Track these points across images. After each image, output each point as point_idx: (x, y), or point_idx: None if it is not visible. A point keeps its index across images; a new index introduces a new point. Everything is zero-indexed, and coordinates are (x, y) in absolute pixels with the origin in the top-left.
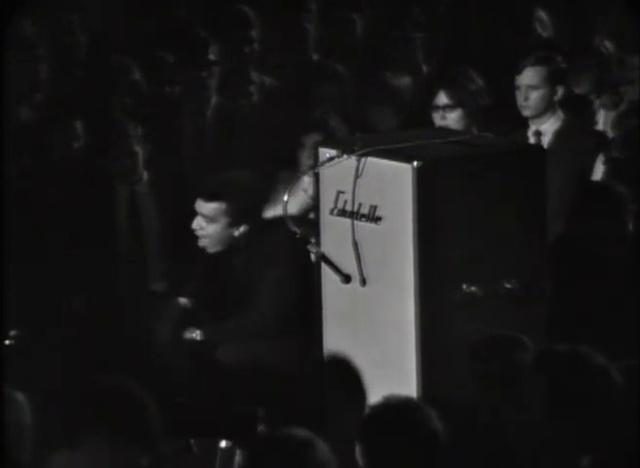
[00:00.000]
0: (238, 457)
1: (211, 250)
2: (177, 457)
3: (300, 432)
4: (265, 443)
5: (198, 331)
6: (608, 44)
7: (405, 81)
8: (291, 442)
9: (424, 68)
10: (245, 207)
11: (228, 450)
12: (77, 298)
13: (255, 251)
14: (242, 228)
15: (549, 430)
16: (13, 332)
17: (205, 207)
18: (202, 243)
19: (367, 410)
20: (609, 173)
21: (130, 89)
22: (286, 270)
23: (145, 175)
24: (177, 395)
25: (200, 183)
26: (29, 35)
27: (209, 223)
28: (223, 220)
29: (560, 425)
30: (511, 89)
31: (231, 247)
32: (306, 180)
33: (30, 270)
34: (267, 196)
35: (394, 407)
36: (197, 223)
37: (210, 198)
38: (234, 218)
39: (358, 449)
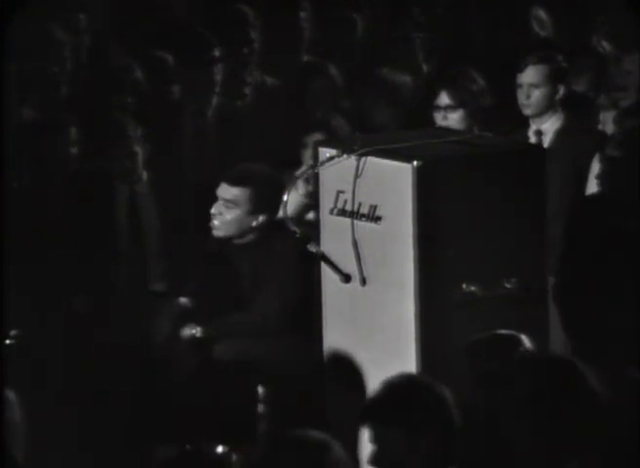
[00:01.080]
0: (234, 462)
1: (218, 233)
2: (172, 463)
3: (316, 434)
4: (281, 444)
5: (198, 328)
6: (605, 44)
7: (403, 78)
8: (306, 444)
9: (425, 68)
10: (267, 196)
11: (225, 455)
12: (77, 298)
13: (262, 250)
14: (260, 218)
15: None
16: (13, 332)
17: (229, 191)
18: (215, 228)
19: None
20: (606, 171)
21: (130, 89)
22: (292, 272)
23: (145, 176)
24: (175, 395)
25: (223, 172)
26: (30, 35)
27: (229, 209)
28: (245, 207)
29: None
30: (512, 88)
31: (238, 240)
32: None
33: (30, 270)
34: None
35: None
36: (217, 208)
37: (236, 182)
38: (255, 206)
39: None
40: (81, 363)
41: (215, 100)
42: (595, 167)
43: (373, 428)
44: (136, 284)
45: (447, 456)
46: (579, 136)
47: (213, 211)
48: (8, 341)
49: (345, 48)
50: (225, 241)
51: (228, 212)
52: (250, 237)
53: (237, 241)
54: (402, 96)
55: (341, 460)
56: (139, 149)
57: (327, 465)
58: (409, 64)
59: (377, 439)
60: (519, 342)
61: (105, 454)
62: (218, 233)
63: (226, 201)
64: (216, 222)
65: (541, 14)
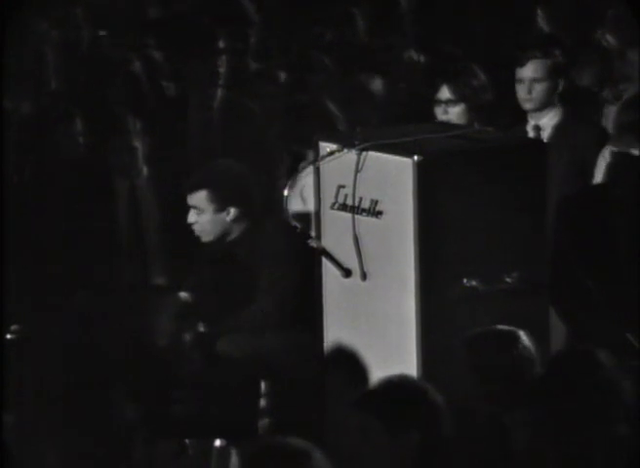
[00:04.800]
0: (233, 457)
1: (205, 238)
2: (172, 458)
3: (298, 442)
4: (263, 451)
5: (201, 324)
6: (609, 38)
7: (378, 83)
8: (287, 452)
9: (424, 61)
10: (228, 191)
11: (223, 450)
12: (77, 294)
13: (257, 245)
14: (232, 212)
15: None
16: (13, 327)
17: (191, 199)
18: (197, 233)
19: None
20: (611, 167)
21: (130, 83)
22: (290, 265)
23: (145, 170)
24: (177, 391)
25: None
26: (32, 29)
27: (199, 214)
28: (210, 208)
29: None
30: (509, 83)
31: (229, 237)
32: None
33: (31, 266)
34: (255, 181)
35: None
36: (191, 217)
37: (191, 189)
38: (219, 204)
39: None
40: (81, 358)
41: (218, 93)
42: (602, 160)
43: (359, 416)
44: (136, 278)
45: (427, 462)
46: (577, 130)
47: (189, 220)
48: (8, 336)
49: (345, 43)
50: (218, 242)
51: (200, 217)
52: (237, 232)
53: (229, 238)
54: (376, 98)
55: None
56: (138, 144)
57: None
58: (408, 60)
59: (360, 428)
60: (518, 338)
61: (106, 450)
62: (205, 239)
63: (193, 207)
64: (196, 230)
65: (546, 8)
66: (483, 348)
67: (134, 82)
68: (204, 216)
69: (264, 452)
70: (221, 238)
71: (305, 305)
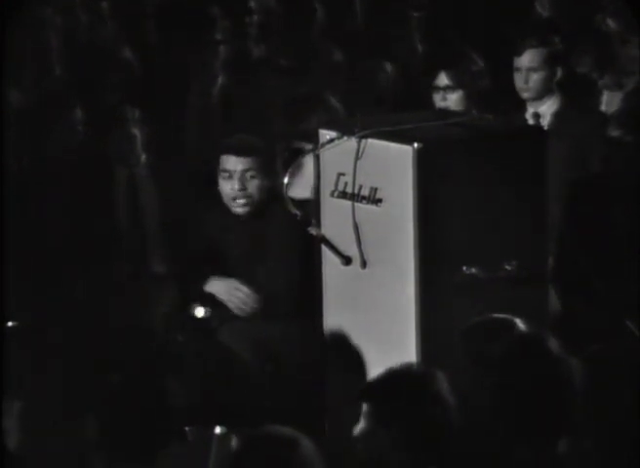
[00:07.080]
0: (234, 444)
1: (248, 208)
2: (171, 445)
3: (286, 430)
4: (251, 440)
5: (208, 309)
6: (610, 22)
7: (387, 67)
8: (275, 440)
9: (422, 48)
10: (271, 162)
11: (224, 437)
12: (77, 283)
13: (264, 227)
14: (269, 182)
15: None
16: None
17: (242, 162)
18: (242, 204)
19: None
20: (610, 154)
21: (129, 70)
22: (295, 252)
23: (144, 158)
24: (176, 378)
25: (223, 144)
26: (33, 18)
27: (250, 179)
28: (262, 172)
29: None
30: (508, 70)
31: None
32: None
33: (30, 254)
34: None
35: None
36: (239, 184)
37: (248, 152)
38: (270, 168)
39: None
40: (81, 346)
41: (217, 80)
42: (603, 148)
43: (366, 405)
44: (136, 267)
45: (432, 453)
46: (577, 118)
47: (236, 187)
48: (10, 323)
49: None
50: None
51: (251, 182)
52: (259, 207)
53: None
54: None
55: (310, 457)
56: (137, 132)
57: (295, 462)
58: (407, 45)
59: (366, 416)
60: (514, 326)
61: (105, 440)
62: (245, 209)
63: (246, 171)
64: (243, 199)
65: None
66: (479, 337)
67: (133, 69)
68: (254, 181)
69: (252, 441)
70: (254, 210)
71: (307, 293)
